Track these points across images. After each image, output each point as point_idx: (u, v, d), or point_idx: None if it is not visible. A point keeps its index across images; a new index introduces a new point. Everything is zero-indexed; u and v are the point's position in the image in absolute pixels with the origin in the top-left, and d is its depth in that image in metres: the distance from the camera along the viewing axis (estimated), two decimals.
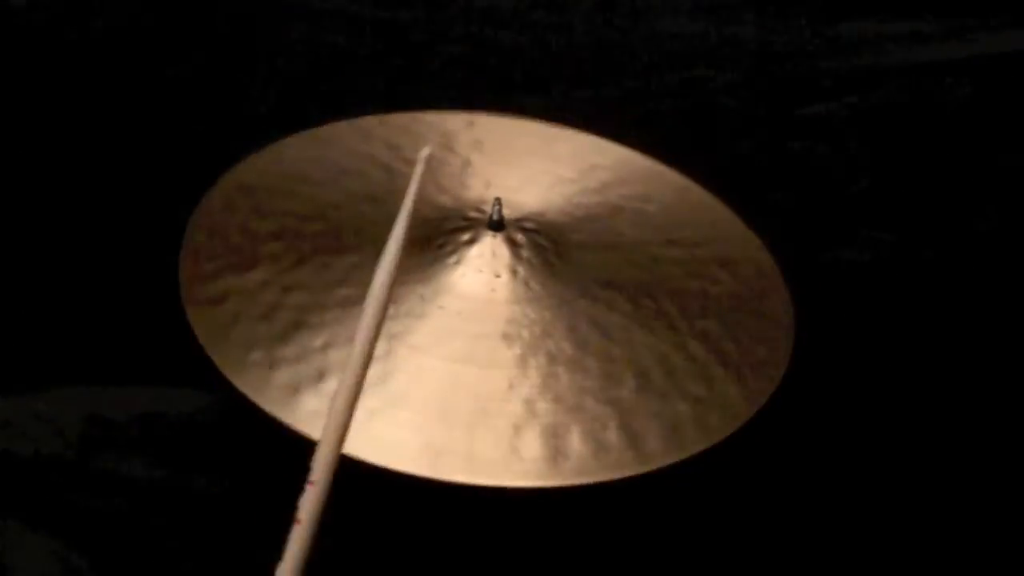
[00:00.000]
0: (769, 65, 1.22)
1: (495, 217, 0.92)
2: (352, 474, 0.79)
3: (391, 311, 0.88)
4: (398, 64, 1.19)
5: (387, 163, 1.00)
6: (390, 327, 0.87)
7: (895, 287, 1.07)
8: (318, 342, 0.87)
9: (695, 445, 0.84)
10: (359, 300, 0.88)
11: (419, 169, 0.75)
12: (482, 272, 0.91)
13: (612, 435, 0.84)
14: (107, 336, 0.99)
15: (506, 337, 0.87)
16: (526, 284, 0.90)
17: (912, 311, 1.05)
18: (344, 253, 0.93)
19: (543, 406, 0.85)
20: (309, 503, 0.66)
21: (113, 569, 0.87)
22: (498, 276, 0.91)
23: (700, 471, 0.83)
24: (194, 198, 0.97)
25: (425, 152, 0.76)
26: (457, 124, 1.04)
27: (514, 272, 0.91)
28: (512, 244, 0.92)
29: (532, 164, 1.01)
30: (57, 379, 0.96)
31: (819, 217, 1.11)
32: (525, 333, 0.88)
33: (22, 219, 1.08)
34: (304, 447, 0.80)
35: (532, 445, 0.83)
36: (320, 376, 0.85)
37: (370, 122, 1.05)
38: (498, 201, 0.92)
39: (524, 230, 0.93)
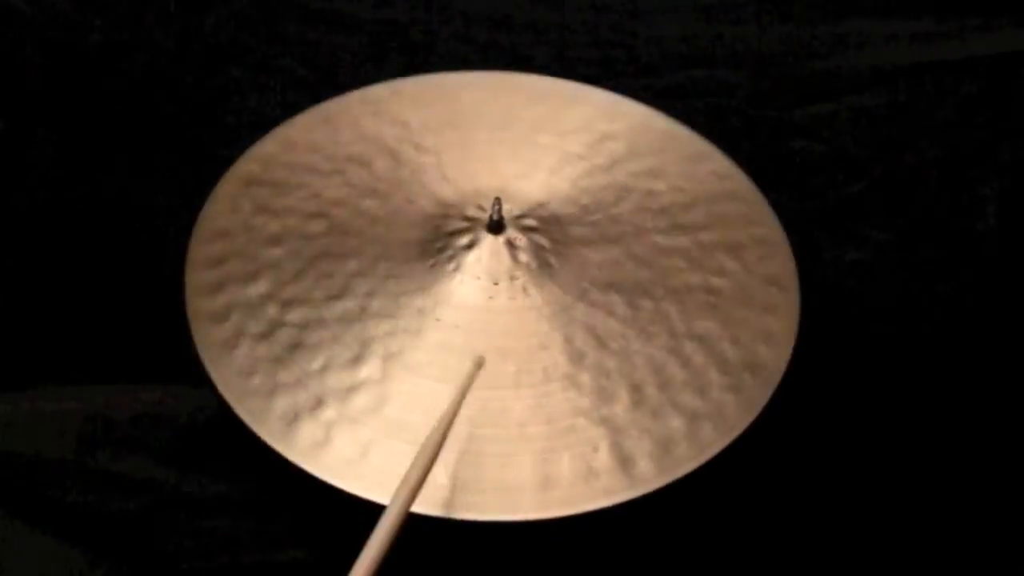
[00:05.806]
0: (769, 65, 1.22)
1: (495, 218, 0.92)
2: (343, 502, 0.80)
3: (388, 327, 0.88)
4: (398, 64, 1.19)
5: (394, 147, 0.99)
6: (386, 345, 0.87)
7: (895, 287, 1.07)
8: (316, 364, 0.87)
9: (688, 463, 0.82)
10: (358, 315, 0.89)
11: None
12: (480, 279, 0.90)
13: (603, 458, 0.83)
14: (107, 336, 0.99)
15: (502, 352, 0.87)
16: (524, 291, 0.90)
17: (912, 311, 1.05)
18: (345, 258, 0.92)
19: (534, 429, 0.84)
20: None
21: (113, 569, 0.87)
22: (496, 283, 0.90)
23: (694, 485, 0.82)
24: (192, 200, 0.97)
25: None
26: (469, 91, 1.04)
27: (512, 278, 0.90)
28: (511, 247, 0.92)
29: (539, 139, 1.01)
30: (57, 379, 0.96)
31: (819, 217, 1.10)
32: (520, 347, 0.87)
33: (22, 218, 1.08)
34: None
35: (523, 474, 0.82)
36: (317, 403, 0.85)
37: (380, 92, 1.04)
38: (498, 201, 0.92)
39: (524, 229, 0.93)
